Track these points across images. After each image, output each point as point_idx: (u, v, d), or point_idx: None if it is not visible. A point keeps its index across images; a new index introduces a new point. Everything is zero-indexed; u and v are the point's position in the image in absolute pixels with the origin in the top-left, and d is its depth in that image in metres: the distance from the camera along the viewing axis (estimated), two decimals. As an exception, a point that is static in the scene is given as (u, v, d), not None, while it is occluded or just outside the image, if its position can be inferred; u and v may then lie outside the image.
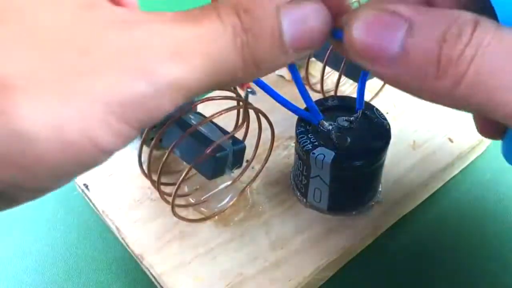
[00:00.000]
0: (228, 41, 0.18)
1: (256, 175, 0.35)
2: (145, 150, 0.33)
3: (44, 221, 0.37)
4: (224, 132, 0.32)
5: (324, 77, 0.38)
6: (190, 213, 0.35)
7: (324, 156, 0.30)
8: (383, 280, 0.33)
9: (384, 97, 0.41)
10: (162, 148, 0.34)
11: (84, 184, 0.37)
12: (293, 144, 0.36)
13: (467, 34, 0.17)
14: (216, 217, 0.34)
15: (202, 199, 0.35)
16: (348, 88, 0.42)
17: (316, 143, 0.31)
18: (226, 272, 0.32)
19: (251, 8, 0.18)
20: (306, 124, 0.32)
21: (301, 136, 0.31)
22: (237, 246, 0.33)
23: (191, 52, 0.17)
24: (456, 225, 0.36)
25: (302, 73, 0.38)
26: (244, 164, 0.34)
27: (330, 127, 0.30)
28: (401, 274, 0.34)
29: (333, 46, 0.22)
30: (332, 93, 0.38)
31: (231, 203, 0.35)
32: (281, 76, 0.43)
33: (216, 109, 0.30)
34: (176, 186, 0.31)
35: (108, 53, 0.16)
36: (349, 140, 0.32)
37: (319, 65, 0.39)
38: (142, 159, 0.33)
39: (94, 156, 0.16)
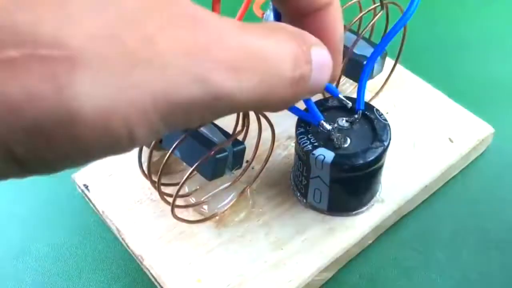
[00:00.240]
0: (287, 69, 0.18)
1: (256, 176, 0.35)
2: (145, 150, 0.33)
3: (44, 221, 0.37)
4: (224, 133, 0.32)
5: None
6: (190, 214, 0.35)
7: (324, 157, 0.30)
8: (383, 280, 0.33)
9: (384, 97, 0.41)
10: (162, 149, 0.34)
11: (84, 185, 0.37)
12: (293, 145, 0.36)
13: None
14: (216, 217, 0.34)
15: (202, 199, 0.35)
16: (348, 88, 0.42)
17: (316, 143, 0.31)
18: (226, 273, 0.32)
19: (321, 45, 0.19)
20: (306, 125, 0.32)
21: (301, 136, 0.31)
22: (237, 247, 0.33)
23: (252, 70, 0.17)
24: (456, 225, 0.36)
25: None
26: (244, 164, 0.34)
27: (330, 128, 0.30)
28: (401, 274, 0.34)
29: None
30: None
31: (231, 203, 0.35)
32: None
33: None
34: (178, 188, 0.31)
35: (172, 47, 0.15)
36: (349, 140, 0.32)
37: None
38: (142, 159, 0.33)
39: (124, 147, 0.16)
